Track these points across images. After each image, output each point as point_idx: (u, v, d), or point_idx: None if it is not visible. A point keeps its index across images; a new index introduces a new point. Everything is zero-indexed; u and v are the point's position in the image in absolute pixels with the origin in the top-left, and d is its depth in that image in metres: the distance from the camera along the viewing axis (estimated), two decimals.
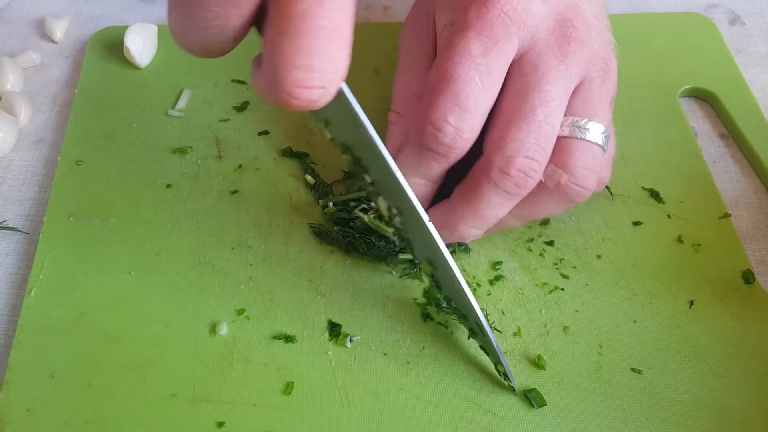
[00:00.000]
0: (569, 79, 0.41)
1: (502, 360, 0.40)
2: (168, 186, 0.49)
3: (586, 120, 0.41)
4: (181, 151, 0.50)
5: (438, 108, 0.39)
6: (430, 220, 0.38)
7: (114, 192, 0.48)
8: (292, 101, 0.31)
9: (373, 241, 0.45)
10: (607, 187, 0.49)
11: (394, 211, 0.39)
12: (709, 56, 0.59)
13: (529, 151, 0.39)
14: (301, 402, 0.40)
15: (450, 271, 0.39)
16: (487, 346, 0.41)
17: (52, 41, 0.59)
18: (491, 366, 0.42)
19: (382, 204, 0.39)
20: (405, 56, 0.46)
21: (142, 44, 0.55)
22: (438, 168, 0.41)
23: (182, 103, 0.53)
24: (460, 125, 0.39)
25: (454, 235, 0.42)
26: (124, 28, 0.56)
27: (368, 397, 0.40)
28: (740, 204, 0.51)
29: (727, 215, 0.49)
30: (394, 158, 0.38)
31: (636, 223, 0.48)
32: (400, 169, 0.37)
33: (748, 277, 0.46)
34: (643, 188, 0.50)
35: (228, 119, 0.53)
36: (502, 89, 0.40)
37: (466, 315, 0.41)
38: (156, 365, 0.41)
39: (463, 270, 0.45)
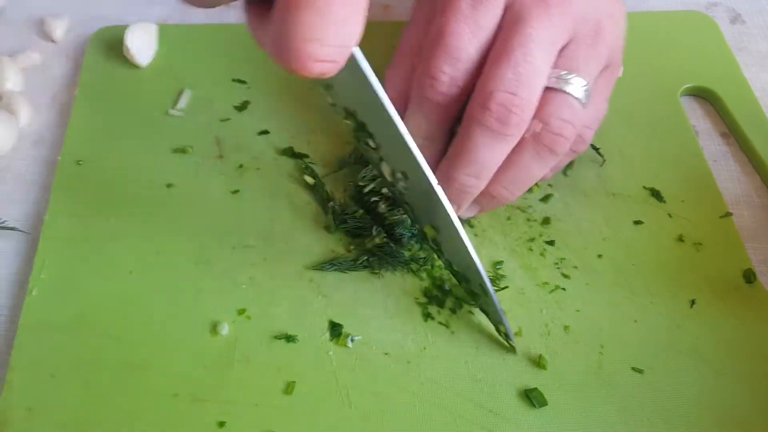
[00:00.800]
0: (553, 30, 0.42)
1: (504, 320, 0.41)
2: (168, 186, 0.49)
3: (567, 72, 0.42)
4: (181, 150, 0.50)
5: (433, 59, 0.41)
6: (438, 183, 0.39)
7: (114, 192, 0.48)
8: (302, 72, 0.31)
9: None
10: (595, 149, 0.49)
11: (399, 175, 0.40)
12: (710, 55, 0.59)
13: (508, 87, 0.40)
14: (302, 402, 0.40)
15: (454, 230, 0.40)
16: (488, 306, 0.42)
17: (52, 41, 0.59)
18: (492, 366, 0.41)
19: (386, 169, 0.41)
20: (405, 39, 0.48)
21: (142, 43, 0.55)
22: (440, 122, 0.42)
23: (182, 103, 0.53)
24: (454, 74, 0.41)
25: (453, 187, 0.42)
26: (125, 27, 0.56)
27: (369, 397, 0.40)
28: (741, 203, 0.51)
29: (728, 214, 0.49)
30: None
31: (637, 223, 0.48)
32: (406, 124, 0.38)
33: (749, 277, 0.46)
34: (644, 187, 0.50)
35: (228, 119, 0.53)
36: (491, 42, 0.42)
37: (468, 277, 0.42)
38: (156, 365, 0.41)
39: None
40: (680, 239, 0.48)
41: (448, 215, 0.40)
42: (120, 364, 0.41)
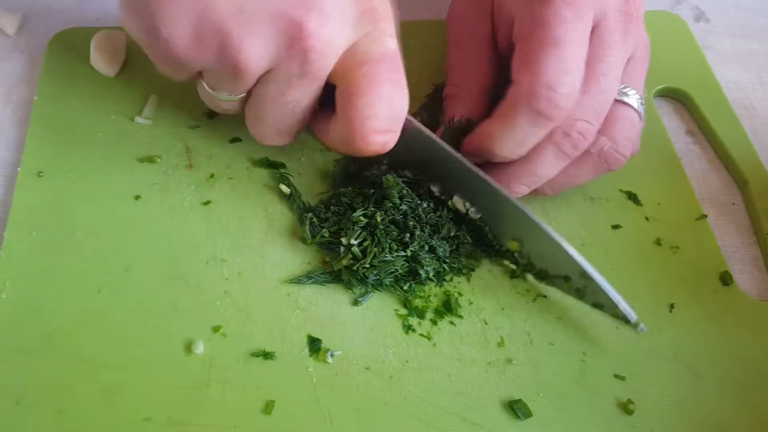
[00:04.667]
0: (626, 54, 0.44)
1: (619, 301, 0.41)
2: (137, 197, 0.47)
3: (627, 87, 0.45)
4: (149, 160, 0.49)
5: (548, 72, 0.41)
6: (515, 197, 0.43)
7: (79, 205, 0.46)
8: (368, 147, 0.40)
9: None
10: None
11: (468, 205, 0.44)
12: (681, 55, 0.59)
13: (589, 116, 0.42)
14: (282, 421, 0.39)
15: (544, 237, 0.42)
16: (601, 296, 0.42)
17: (5, 35, 0.56)
18: (475, 378, 0.41)
19: (458, 202, 0.44)
20: (458, 34, 0.50)
21: (109, 52, 0.52)
22: (539, 135, 0.42)
23: (149, 110, 0.51)
24: (574, 85, 0.41)
25: (492, 155, 0.44)
26: (86, 30, 0.54)
27: (351, 414, 0.39)
28: (707, 200, 0.51)
29: (703, 216, 0.49)
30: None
31: (615, 227, 0.48)
32: (492, 141, 0.43)
33: (726, 279, 0.46)
34: (621, 190, 0.50)
35: (198, 126, 0.51)
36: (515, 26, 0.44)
37: (568, 275, 0.43)
38: (129, 388, 0.39)
39: (443, 280, 0.45)
40: (658, 242, 0.48)
41: (537, 225, 0.42)
42: (90, 388, 0.39)
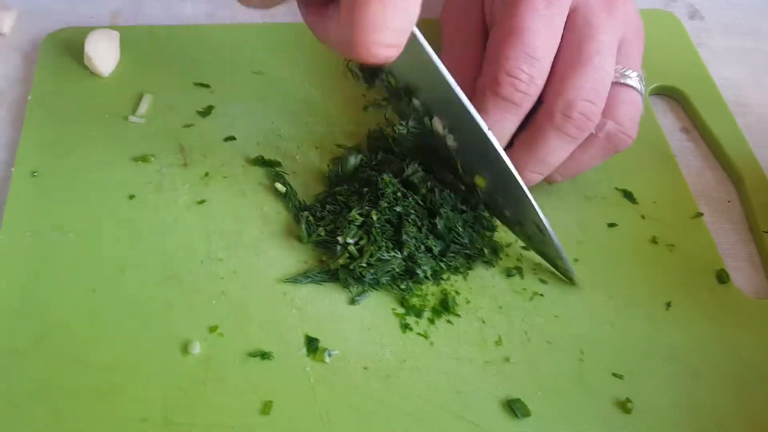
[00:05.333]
0: (616, 33, 0.44)
1: (563, 254, 0.43)
2: (131, 197, 0.46)
3: (625, 67, 0.45)
4: (143, 159, 0.48)
5: (510, 59, 0.42)
6: (489, 128, 0.41)
7: (73, 205, 0.46)
8: (370, 59, 0.35)
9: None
10: None
11: (446, 131, 0.43)
12: (676, 53, 0.59)
13: (589, 95, 0.42)
14: (280, 422, 0.38)
15: (508, 175, 0.42)
16: (546, 246, 0.44)
17: (0, 34, 0.56)
18: (473, 376, 0.41)
19: (437, 124, 0.43)
20: (452, 32, 0.50)
21: (104, 52, 0.52)
22: (513, 122, 0.43)
23: (143, 109, 0.51)
24: (533, 72, 0.42)
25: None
26: (80, 29, 0.53)
27: (349, 413, 0.39)
28: (702, 197, 0.51)
29: (699, 215, 0.49)
30: None
31: (611, 225, 0.48)
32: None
33: (722, 277, 0.46)
34: (617, 189, 0.50)
35: (192, 125, 0.50)
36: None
37: (522, 220, 0.44)
38: (125, 389, 0.39)
39: (440, 278, 0.45)
40: (654, 241, 0.48)
41: (502, 161, 0.42)
42: (85, 389, 0.39)
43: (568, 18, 0.44)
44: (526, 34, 0.42)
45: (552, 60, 0.43)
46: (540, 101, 0.44)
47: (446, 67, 0.49)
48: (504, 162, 0.42)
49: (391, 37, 0.35)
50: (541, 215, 0.42)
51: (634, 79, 0.45)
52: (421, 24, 0.50)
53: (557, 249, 0.43)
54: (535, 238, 0.44)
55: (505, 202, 0.44)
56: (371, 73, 0.46)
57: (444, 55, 0.50)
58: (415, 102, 0.44)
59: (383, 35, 0.35)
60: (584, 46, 0.43)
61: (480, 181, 0.44)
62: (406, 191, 0.45)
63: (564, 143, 0.43)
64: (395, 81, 0.44)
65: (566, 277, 0.45)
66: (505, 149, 0.44)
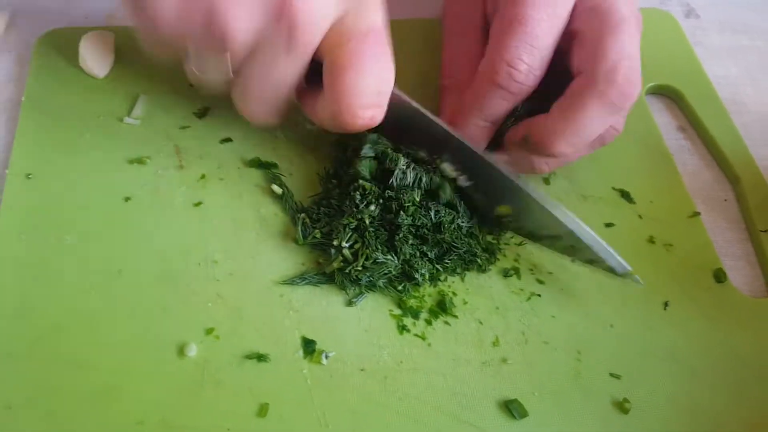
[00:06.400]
0: (629, 14, 0.43)
1: (614, 254, 0.42)
2: (127, 199, 0.46)
3: None
4: (139, 161, 0.48)
5: (511, 48, 0.42)
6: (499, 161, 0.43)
7: (68, 207, 0.45)
8: (354, 121, 0.39)
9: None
10: None
11: (457, 172, 0.44)
12: (672, 52, 0.59)
13: (630, 59, 0.41)
14: (276, 424, 0.38)
15: (531, 200, 0.42)
16: (591, 251, 0.42)
17: None
18: (470, 377, 0.41)
19: (448, 168, 0.44)
20: (452, 27, 0.50)
21: (98, 54, 0.52)
22: (505, 107, 0.44)
23: (138, 110, 0.51)
24: (533, 62, 0.42)
25: (546, 152, 0.44)
26: (74, 30, 0.53)
27: (346, 415, 0.39)
28: (699, 196, 0.51)
29: (696, 214, 0.49)
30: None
31: (608, 225, 0.48)
32: (465, 113, 0.44)
33: (719, 276, 0.46)
34: (614, 188, 0.50)
35: (188, 126, 0.50)
36: (574, 24, 0.44)
37: (559, 234, 0.43)
38: (121, 391, 0.39)
39: (438, 281, 0.44)
40: (651, 240, 0.48)
41: (520, 189, 0.42)
42: (81, 392, 0.39)
43: (579, 3, 0.44)
44: (528, 23, 0.42)
45: (553, 49, 0.43)
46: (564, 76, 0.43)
47: (447, 58, 0.50)
48: (514, 183, 0.42)
49: (370, 99, 0.39)
50: (579, 222, 0.42)
51: None
52: (421, 24, 0.51)
53: (606, 253, 0.42)
54: (577, 247, 0.43)
55: (534, 222, 0.44)
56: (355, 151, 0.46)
57: (445, 47, 0.51)
58: (421, 154, 0.45)
59: (362, 98, 0.39)
60: (610, 17, 0.42)
61: (504, 210, 0.44)
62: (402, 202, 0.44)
63: (604, 112, 0.42)
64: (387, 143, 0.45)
65: (630, 279, 0.42)
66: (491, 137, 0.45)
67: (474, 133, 0.46)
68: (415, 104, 0.43)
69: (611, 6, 0.43)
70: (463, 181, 0.44)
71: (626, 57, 0.41)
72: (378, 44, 0.39)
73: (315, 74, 0.41)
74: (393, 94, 0.42)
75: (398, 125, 0.44)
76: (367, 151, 0.45)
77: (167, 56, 0.42)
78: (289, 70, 0.40)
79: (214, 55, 0.40)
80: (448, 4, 0.53)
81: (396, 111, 0.42)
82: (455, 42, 0.50)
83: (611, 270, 0.43)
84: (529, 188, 0.42)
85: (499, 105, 0.44)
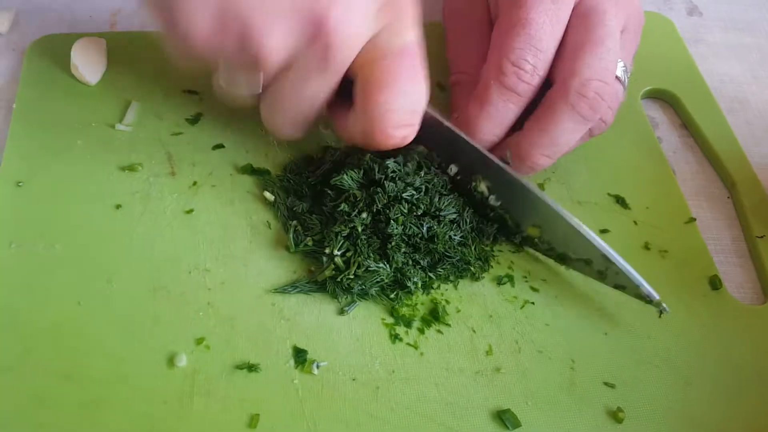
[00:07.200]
0: (620, 22, 0.45)
1: (642, 282, 0.42)
2: (118, 207, 0.46)
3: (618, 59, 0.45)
4: (130, 168, 0.48)
5: (515, 50, 0.43)
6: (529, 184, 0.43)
7: (59, 215, 0.45)
8: (387, 140, 0.40)
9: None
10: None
11: (488, 192, 0.44)
12: (668, 56, 0.59)
13: (602, 76, 0.43)
14: None
15: (562, 221, 0.42)
16: (620, 277, 0.42)
17: None
18: (463, 387, 0.40)
19: (483, 186, 0.44)
20: (457, 25, 0.51)
21: (90, 60, 0.51)
22: (514, 111, 0.44)
23: (130, 117, 0.50)
24: (537, 64, 0.43)
25: (525, 164, 0.45)
26: (66, 37, 0.53)
27: (338, 426, 0.39)
28: (701, 194, 0.51)
29: (692, 220, 0.49)
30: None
31: (603, 231, 0.48)
32: (474, 124, 0.44)
33: (715, 283, 0.46)
34: (609, 194, 0.50)
35: (180, 132, 0.50)
36: (566, 27, 0.44)
37: (589, 259, 0.43)
38: (111, 403, 0.38)
39: (430, 289, 0.44)
40: (646, 247, 0.47)
41: (554, 211, 0.42)
42: (70, 404, 0.38)
43: (575, 7, 0.44)
44: (531, 26, 0.43)
45: (555, 51, 0.44)
46: (546, 85, 0.44)
47: (455, 55, 0.50)
48: (547, 204, 0.42)
49: (403, 118, 0.39)
50: (609, 249, 0.42)
51: (619, 69, 0.45)
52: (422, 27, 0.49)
53: (635, 279, 0.42)
54: (608, 272, 0.43)
55: (564, 245, 0.44)
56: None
57: (449, 48, 0.51)
58: (452, 169, 0.45)
59: (395, 118, 0.39)
60: (596, 30, 0.43)
61: (533, 231, 0.44)
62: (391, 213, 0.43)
63: (576, 123, 0.43)
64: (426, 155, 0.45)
65: (655, 306, 0.42)
66: (510, 134, 0.45)
67: (487, 144, 0.45)
68: (447, 123, 0.43)
69: (600, 18, 0.44)
70: (493, 200, 0.44)
71: (600, 73, 0.43)
72: (412, 62, 0.39)
73: (345, 89, 0.40)
74: (426, 112, 0.42)
75: (428, 143, 0.44)
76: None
77: (194, 69, 0.42)
78: (320, 87, 0.40)
79: (246, 71, 0.40)
80: (451, 3, 0.53)
81: (427, 129, 0.42)
82: (461, 39, 0.50)
83: (639, 297, 0.42)
84: (561, 211, 0.42)
85: (508, 109, 0.44)
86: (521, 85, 0.43)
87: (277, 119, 0.43)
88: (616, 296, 0.44)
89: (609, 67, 0.43)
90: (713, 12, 0.65)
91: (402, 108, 0.39)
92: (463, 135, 0.44)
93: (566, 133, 0.44)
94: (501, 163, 0.43)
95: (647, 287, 0.42)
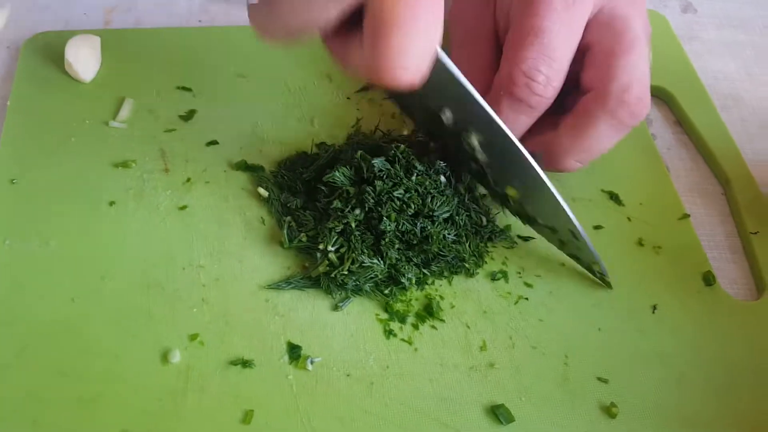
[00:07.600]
0: (644, 28, 0.44)
1: (598, 258, 0.42)
2: (111, 203, 0.46)
3: None
4: (124, 165, 0.48)
5: (528, 60, 0.41)
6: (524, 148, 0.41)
7: (53, 212, 0.45)
8: (394, 83, 0.35)
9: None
10: None
11: (477, 147, 0.42)
12: (663, 53, 0.59)
13: (641, 79, 0.42)
14: (262, 431, 0.38)
15: (540, 184, 0.41)
16: (581, 251, 0.43)
17: None
18: (457, 383, 0.40)
19: (474, 138, 0.42)
20: (461, 33, 0.49)
21: (84, 58, 0.51)
22: (524, 123, 0.43)
23: (124, 114, 0.50)
24: (550, 74, 0.41)
25: (556, 168, 0.45)
26: (60, 34, 0.53)
27: (332, 422, 0.39)
28: (695, 190, 0.51)
29: (685, 216, 0.49)
30: None
31: (597, 227, 0.48)
32: None
33: (708, 279, 0.46)
34: (603, 191, 0.50)
35: (174, 129, 0.50)
36: (588, 38, 0.43)
37: (555, 227, 0.43)
38: (105, 399, 0.38)
39: (425, 285, 0.44)
40: (640, 243, 0.47)
41: (534, 171, 0.41)
42: (65, 400, 0.38)
43: (595, 16, 0.43)
44: (545, 35, 0.41)
45: (569, 62, 0.43)
46: (567, 93, 0.43)
47: (459, 67, 0.49)
48: (537, 172, 0.41)
49: (413, 63, 0.35)
50: (576, 222, 0.42)
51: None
52: None
53: (593, 254, 0.43)
54: (570, 244, 0.44)
55: (537, 210, 0.44)
56: (398, 96, 0.45)
57: (453, 55, 0.49)
58: (446, 117, 0.43)
59: (405, 61, 0.35)
60: (625, 35, 0.42)
61: (512, 192, 0.44)
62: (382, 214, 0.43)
63: (614, 131, 0.43)
64: (423, 99, 0.43)
65: (603, 282, 0.45)
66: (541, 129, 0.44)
67: None
68: (453, 68, 0.39)
69: (626, 23, 0.43)
70: (480, 154, 0.43)
71: (638, 77, 0.42)
72: None
73: (352, 16, 0.36)
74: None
75: (430, 86, 0.39)
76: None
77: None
78: (325, 11, 0.35)
79: None
80: (456, 10, 0.51)
81: (433, 73, 0.38)
82: (465, 49, 0.48)
83: (591, 271, 0.44)
84: (543, 175, 0.41)
85: (518, 121, 0.43)
86: (534, 97, 0.42)
87: (270, 31, 0.37)
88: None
89: (646, 72, 0.42)
90: (707, 9, 0.65)
91: (416, 51, 0.35)
92: (466, 83, 0.40)
93: (602, 140, 0.43)
94: (499, 121, 0.41)
95: (602, 264, 0.43)
